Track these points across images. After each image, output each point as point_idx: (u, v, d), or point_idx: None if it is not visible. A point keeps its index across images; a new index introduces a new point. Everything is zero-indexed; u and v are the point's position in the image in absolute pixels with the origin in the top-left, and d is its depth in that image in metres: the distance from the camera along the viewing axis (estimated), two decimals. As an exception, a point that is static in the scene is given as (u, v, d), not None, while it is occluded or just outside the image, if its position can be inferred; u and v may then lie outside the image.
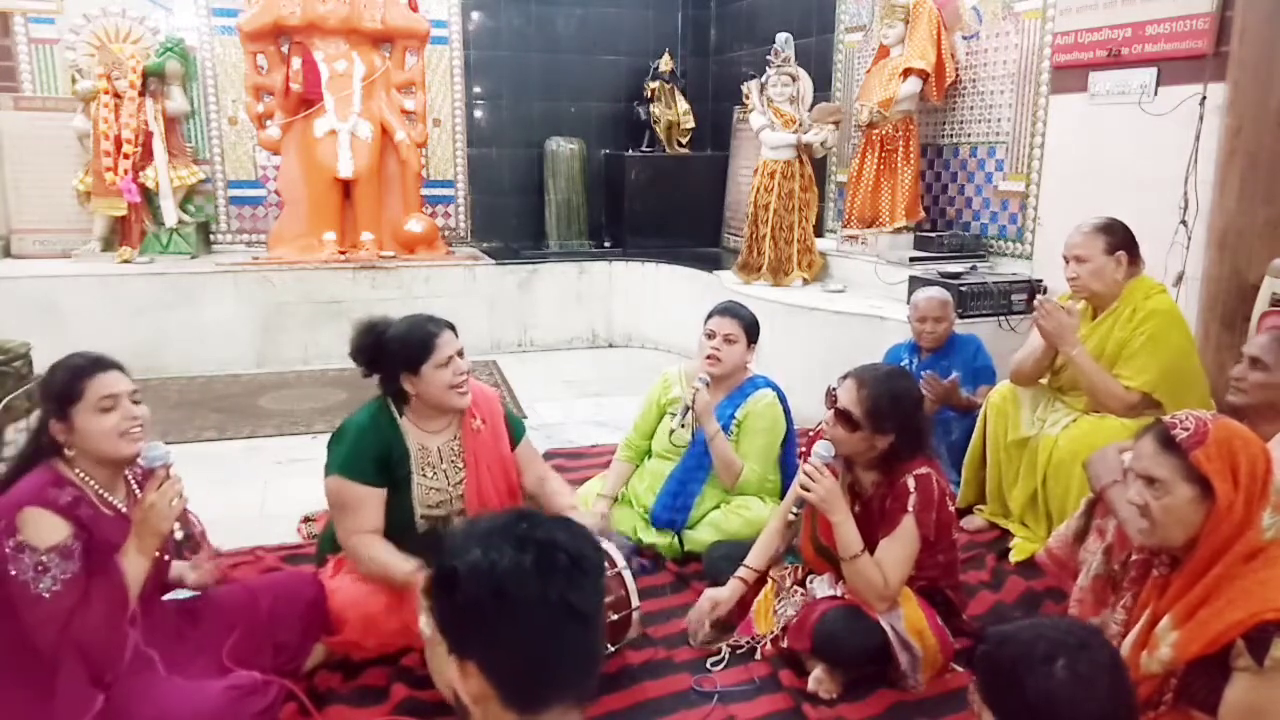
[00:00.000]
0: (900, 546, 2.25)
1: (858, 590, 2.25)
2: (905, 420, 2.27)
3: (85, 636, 1.82)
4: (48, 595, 1.77)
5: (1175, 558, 1.77)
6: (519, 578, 0.99)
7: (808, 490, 2.23)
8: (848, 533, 2.23)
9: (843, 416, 2.26)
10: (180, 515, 1.98)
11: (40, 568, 1.77)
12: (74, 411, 1.89)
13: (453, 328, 2.42)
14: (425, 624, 2.04)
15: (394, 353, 2.36)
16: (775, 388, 3.03)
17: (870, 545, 2.26)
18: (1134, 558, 1.89)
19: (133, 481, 2.06)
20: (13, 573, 1.76)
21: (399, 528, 2.39)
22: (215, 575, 2.22)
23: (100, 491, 1.95)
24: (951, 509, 2.35)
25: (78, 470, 1.93)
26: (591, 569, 1.04)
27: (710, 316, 2.99)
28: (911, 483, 2.25)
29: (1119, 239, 2.88)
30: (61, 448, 1.92)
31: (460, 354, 2.39)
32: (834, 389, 2.32)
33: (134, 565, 1.91)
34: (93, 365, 1.95)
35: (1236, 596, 1.60)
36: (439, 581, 1.04)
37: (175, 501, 1.94)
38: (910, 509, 2.24)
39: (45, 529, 1.80)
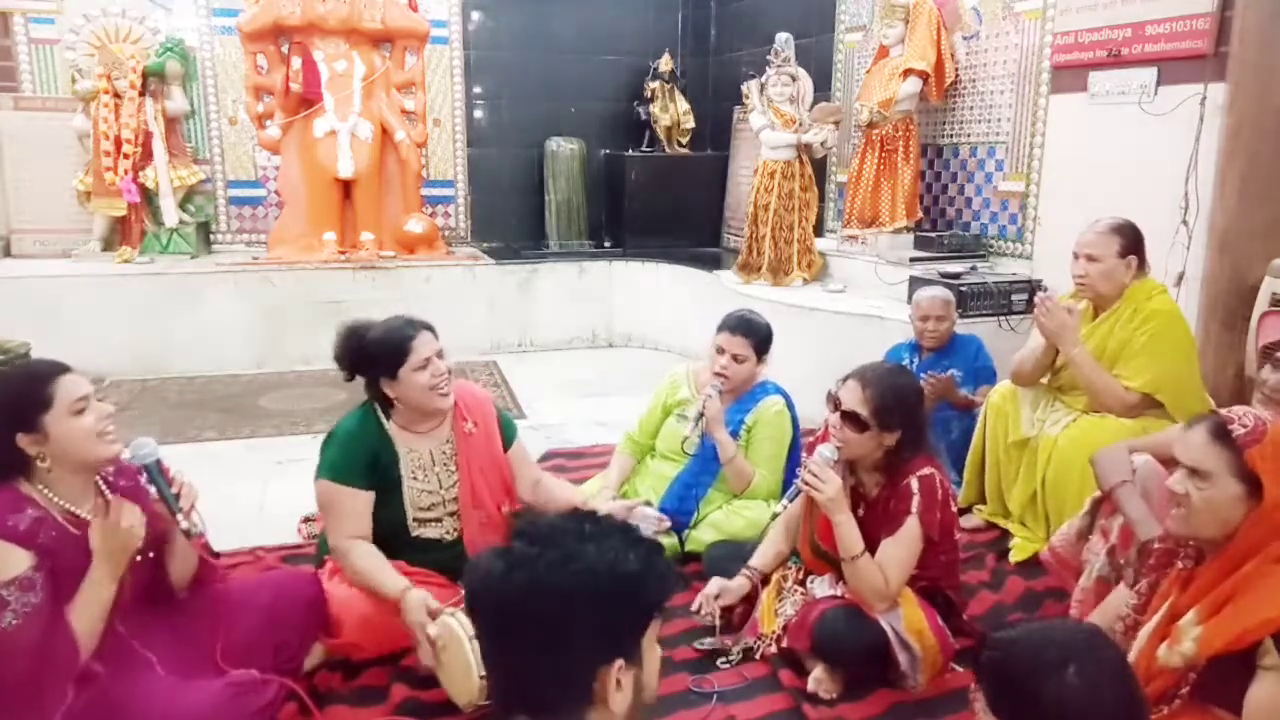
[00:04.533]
0: (902, 548, 2.24)
1: (858, 591, 2.25)
2: (909, 415, 2.27)
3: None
4: (10, 629, 1.70)
5: (1200, 551, 1.76)
6: (494, 598, 1.04)
7: (816, 490, 2.22)
8: (849, 533, 2.22)
9: (850, 418, 2.25)
10: (188, 510, 1.95)
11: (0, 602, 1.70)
12: (46, 420, 1.81)
13: (431, 329, 2.39)
14: (434, 628, 2.06)
15: (372, 357, 2.34)
16: (783, 393, 3.02)
17: (871, 547, 2.25)
18: (1157, 545, 1.88)
19: (104, 487, 1.97)
20: None
21: (392, 531, 2.39)
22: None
23: (68, 507, 1.87)
24: (954, 510, 2.35)
25: (41, 486, 1.84)
26: (574, 625, 1.05)
27: (721, 329, 2.95)
28: (915, 484, 2.25)
29: (1132, 242, 2.88)
30: (26, 463, 1.83)
31: (439, 355, 2.36)
32: (835, 393, 2.31)
33: (94, 591, 1.82)
34: (51, 370, 1.87)
35: (1266, 595, 1.59)
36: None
37: (137, 527, 1.86)
38: (914, 510, 2.23)
39: (4, 561, 1.72)
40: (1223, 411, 1.74)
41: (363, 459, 2.34)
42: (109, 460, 1.92)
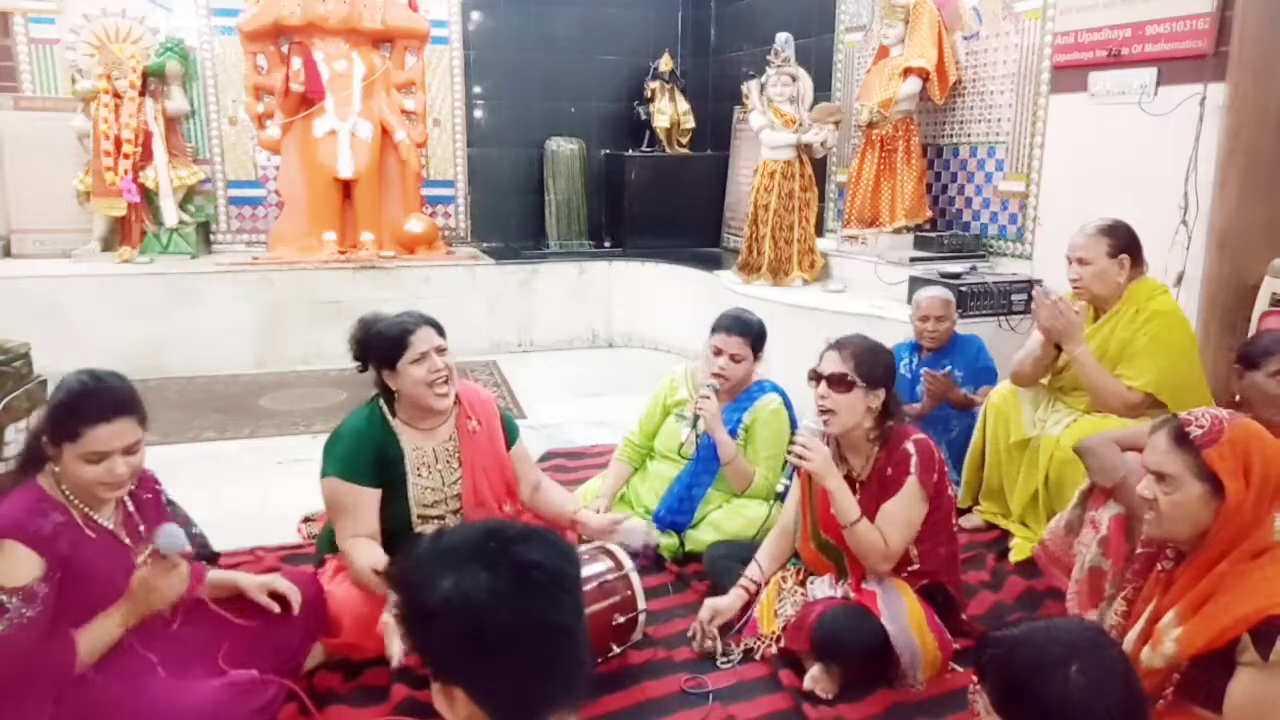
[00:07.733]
0: (903, 507, 2.29)
1: (861, 553, 2.29)
2: (889, 372, 2.37)
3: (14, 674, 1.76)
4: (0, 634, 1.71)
5: (1180, 552, 1.77)
6: (497, 607, 0.97)
7: (805, 460, 2.26)
8: (844, 499, 2.27)
9: (837, 381, 2.32)
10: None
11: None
12: (64, 448, 1.82)
13: (434, 324, 2.40)
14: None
15: (374, 348, 2.37)
16: (780, 391, 3.02)
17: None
18: (1138, 551, 1.89)
19: (127, 500, 1.99)
20: None
21: (396, 528, 2.39)
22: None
23: (86, 511, 1.89)
24: (951, 491, 2.41)
25: (64, 487, 1.87)
26: (570, 583, 1.02)
27: (716, 330, 2.94)
28: (911, 446, 2.32)
29: (1122, 242, 2.87)
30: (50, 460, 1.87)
31: (439, 351, 2.36)
32: (815, 368, 2.38)
33: (108, 627, 1.86)
34: (99, 411, 1.82)
35: (1243, 592, 1.61)
36: (412, 613, 1.01)
37: (176, 587, 1.90)
38: (913, 470, 2.29)
39: (16, 566, 1.73)
40: (1182, 414, 1.76)
41: (370, 456, 2.35)
42: (99, 502, 1.91)
